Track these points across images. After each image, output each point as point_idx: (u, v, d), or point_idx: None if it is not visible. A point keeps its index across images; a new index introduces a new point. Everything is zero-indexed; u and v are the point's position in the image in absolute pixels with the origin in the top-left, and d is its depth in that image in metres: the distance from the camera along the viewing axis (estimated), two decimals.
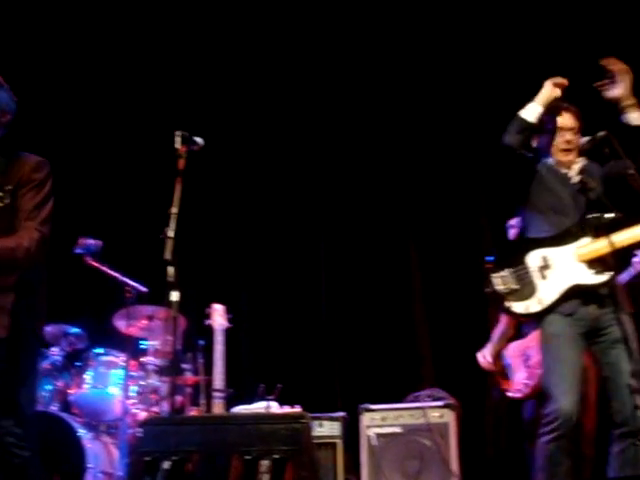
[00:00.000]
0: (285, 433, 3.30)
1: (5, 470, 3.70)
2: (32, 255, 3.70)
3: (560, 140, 4.20)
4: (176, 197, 4.19)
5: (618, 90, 4.06)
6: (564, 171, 4.22)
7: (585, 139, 4.14)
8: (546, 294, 3.99)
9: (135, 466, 3.32)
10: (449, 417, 5.30)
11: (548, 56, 6.14)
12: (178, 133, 4.31)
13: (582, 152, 4.22)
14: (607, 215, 4.01)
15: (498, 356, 5.05)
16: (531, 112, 4.14)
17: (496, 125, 6.13)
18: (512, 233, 5.11)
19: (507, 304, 4.06)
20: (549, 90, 4.16)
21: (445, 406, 5.32)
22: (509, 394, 4.95)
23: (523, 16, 6.52)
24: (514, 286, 4.06)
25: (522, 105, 4.21)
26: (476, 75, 6.65)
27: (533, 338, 4.78)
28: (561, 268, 4.01)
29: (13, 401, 3.71)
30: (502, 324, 5.14)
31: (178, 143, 4.31)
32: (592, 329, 3.98)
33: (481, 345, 5.96)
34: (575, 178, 4.19)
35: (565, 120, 4.21)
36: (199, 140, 4.41)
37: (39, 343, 4.10)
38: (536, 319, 4.07)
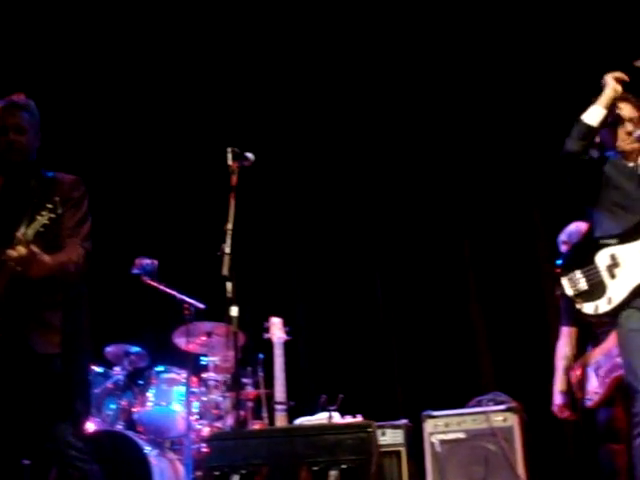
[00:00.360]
0: (352, 443, 3.31)
1: None
2: (81, 270, 3.75)
3: (621, 132, 4.10)
4: (230, 213, 4.23)
5: None
6: (630, 164, 4.10)
7: (638, 132, 4.07)
8: (615, 293, 3.92)
9: None
10: (513, 421, 5.22)
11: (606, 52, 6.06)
12: (229, 150, 4.36)
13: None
14: None
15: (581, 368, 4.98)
16: (594, 116, 4.02)
17: (549, 125, 6.13)
18: (564, 249, 5.07)
19: (578, 306, 4.01)
20: (611, 90, 4.04)
21: (508, 409, 5.24)
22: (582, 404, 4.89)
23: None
24: (583, 287, 4.02)
25: (576, 104, 4.14)
26: (529, 76, 6.58)
27: (604, 347, 4.73)
28: (630, 265, 3.91)
29: (70, 408, 3.78)
30: (561, 341, 5.08)
31: (230, 159, 4.35)
32: None
33: (540, 346, 5.95)
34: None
35: (624, 111, 4.11)
36: (250, 156, 4.46)
37: (88, 357, 4.18)
38: (609, 318, 4.01)
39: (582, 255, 4.06)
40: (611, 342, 4.59)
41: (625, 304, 3.89)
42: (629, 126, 4.09)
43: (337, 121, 7.23)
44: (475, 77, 6.84)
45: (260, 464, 3.34)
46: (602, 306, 3.94)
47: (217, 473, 3.35)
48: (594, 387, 4.77)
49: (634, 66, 4.11)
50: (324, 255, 7.07)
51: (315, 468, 3.27)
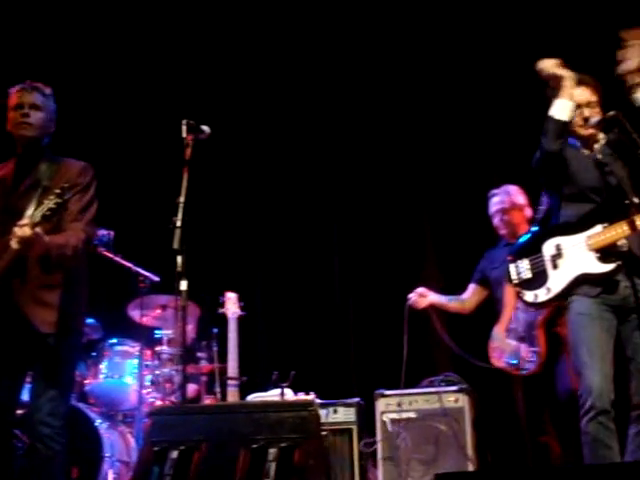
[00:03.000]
0: (293, 421, 3.29)
1: (34, 460, 3.77)
2: (78, 253, 3.86)
3: (578, 118, 4.05)
4: (183, 186, 4.17)
5: (627, 65, 3.94)
6: (587, 152, 4.08)
7: (594, 119, 4.02)
8: (555, 283, 3.96)
9: (144, 456, 3.32)
10: (464, 401, 5.26)
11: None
12: (184, 122, 4.29)
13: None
14: (626, 201, 3.89)
15: None
16: (563, 110, 3.96)
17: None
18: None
19: (519, 294, 4.06)
20: (569, 79, 3.97)
21: (460, 390, 5.27)
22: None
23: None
24: (527, 275, 4.06)
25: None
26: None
27: (507, 312, 4.97)
28: (572, 257, 3.95)
29: (55, 386, 3.82)
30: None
31: (185, 132, 4.28)
32: (621, 308, 3.90)
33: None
34: (598, 158, 4.04)
35: (580, 95, 4.06)
36: (206, 128, 4.38)
37: (81, 340, 4.24)
38: (554, 305, 4.11)
39: (534, 243, 4.08)
40: (509, 298, 4.74)
41: (562, 295, 3.94)
42: (585, 111, 4.05)
43: (295, 92, 7.11)
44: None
45: (200, 440, 3.32)
46: (541, 295, 4.00)
47: (156, 448, 3.31)
48: (525, 351, 4.83)
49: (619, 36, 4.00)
50: (282, 232, 6.99)
51: (254, 446, 3.25)
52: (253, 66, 7.17)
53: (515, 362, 5.01)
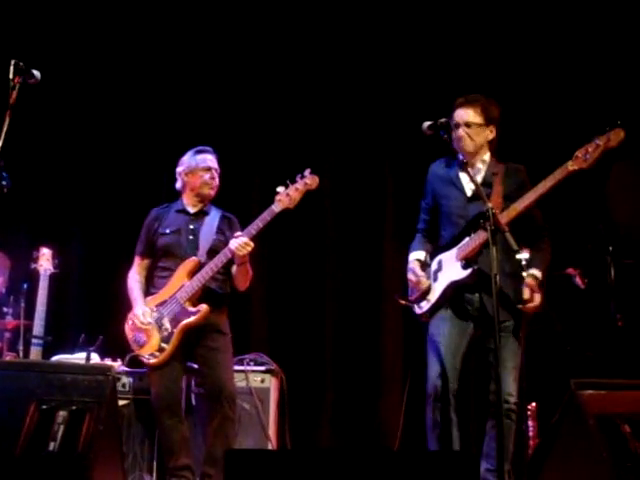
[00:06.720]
0: (87, 385, 3.20)
1: None
2: None
3: (454, 136, 4.23)
4: (3, 131, 3.93)
5: None
6: (463, 175, 4.25)
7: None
8: (433, 294, 4.24)
9: None
10: (270, 382, 5.35)
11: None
12: (13, 62, 4.05)
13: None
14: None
15: None
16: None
17: None
18: None
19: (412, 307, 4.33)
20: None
21: (267, 371, 5.37)
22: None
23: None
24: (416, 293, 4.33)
25: None
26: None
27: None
28: (446, 269, 4.22)
29: None
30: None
31: (12, 73, 4.04)
32: (479, 316, 4.15)
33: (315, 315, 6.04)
34: (472, 185, 4.16)
35: (457, 116, 4.27)
36: (37, 73, 4.15)
37: None
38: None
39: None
40: (179, 275, 4.67)
41: (438, 304, 4.21)
42: (460, 131, 4.24)
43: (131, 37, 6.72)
44: None
45: None
46: (425, 306, 4.27)
47: None
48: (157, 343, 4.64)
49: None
50: (108, 188, 6.59)
51: (44, 407, 3.13)
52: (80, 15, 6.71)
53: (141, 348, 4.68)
